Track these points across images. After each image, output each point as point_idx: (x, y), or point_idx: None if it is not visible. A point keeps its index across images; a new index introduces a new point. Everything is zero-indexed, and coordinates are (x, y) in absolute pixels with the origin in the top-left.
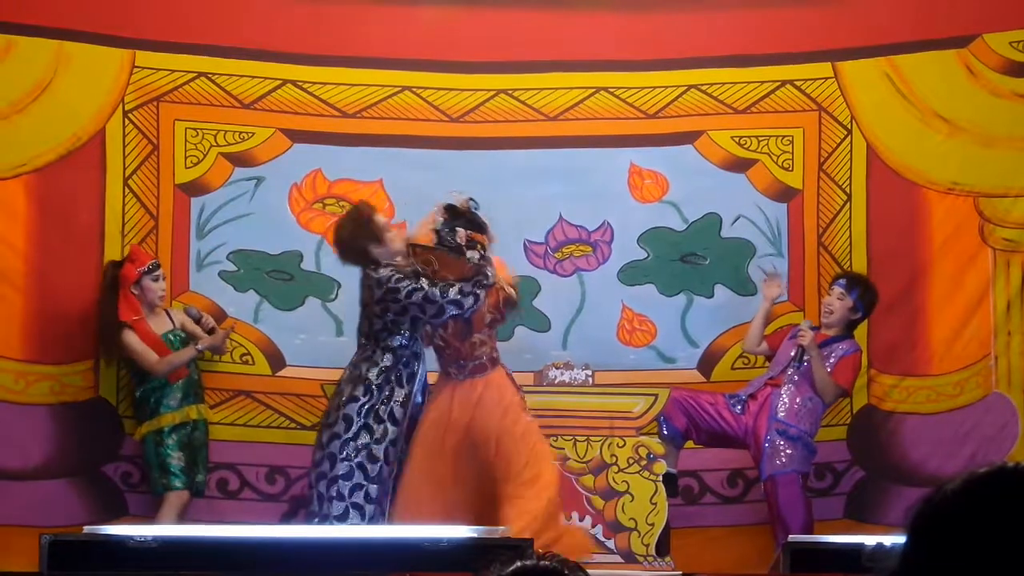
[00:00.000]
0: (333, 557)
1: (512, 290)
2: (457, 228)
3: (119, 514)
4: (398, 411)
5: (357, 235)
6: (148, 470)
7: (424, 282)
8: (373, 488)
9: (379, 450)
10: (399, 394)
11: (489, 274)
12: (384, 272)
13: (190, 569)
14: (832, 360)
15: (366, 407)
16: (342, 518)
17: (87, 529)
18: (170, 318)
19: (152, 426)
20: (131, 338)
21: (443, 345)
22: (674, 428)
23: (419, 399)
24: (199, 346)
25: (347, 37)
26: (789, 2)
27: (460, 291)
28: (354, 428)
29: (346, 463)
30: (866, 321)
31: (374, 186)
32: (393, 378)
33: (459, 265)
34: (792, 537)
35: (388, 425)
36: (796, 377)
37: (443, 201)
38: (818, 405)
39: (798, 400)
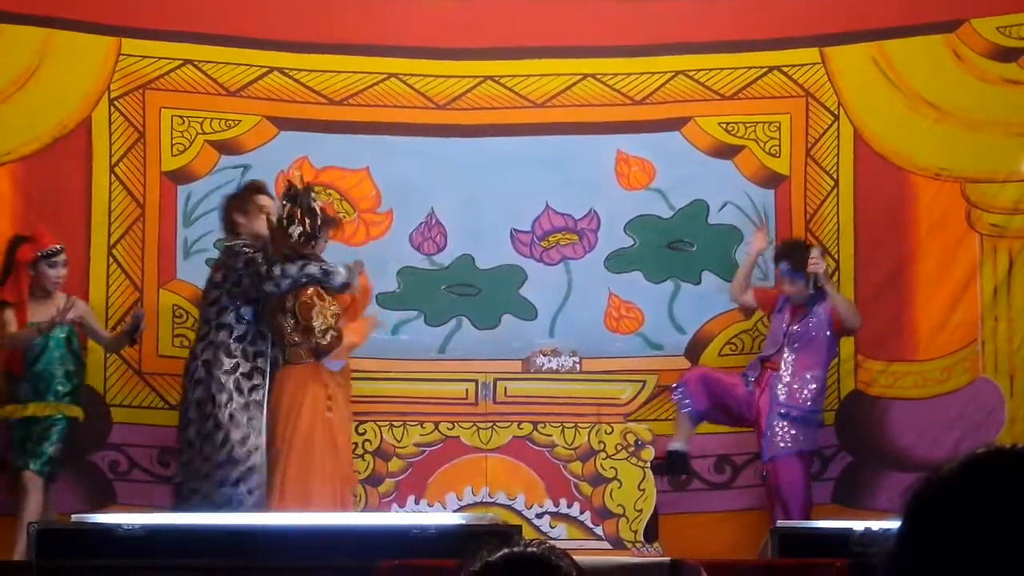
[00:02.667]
0: (320, 545)
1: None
2: (284, 203)
3: (107, 502)
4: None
5: (231, 202)
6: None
7: (259, 255)
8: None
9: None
10: (244, 366)
11: (313, 270)
12: (237, 243)
13: (177, 557)
14: (824, 319)
15: (201, 383)
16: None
17: (75, 518)
18: (66, 308)
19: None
20: (7, 315)
21: (272, 330)
22: (697, 407)
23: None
24: (42, 327)
25: (333, 24)
26: None
27: (282, 271)
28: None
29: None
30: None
31: (360, 174)
32: (236, 352)
33: (284, 238)
34: (780, 522)
35: (245, 420)
36: (792, 357)
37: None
38: (819, 379)
39: (798, 381)
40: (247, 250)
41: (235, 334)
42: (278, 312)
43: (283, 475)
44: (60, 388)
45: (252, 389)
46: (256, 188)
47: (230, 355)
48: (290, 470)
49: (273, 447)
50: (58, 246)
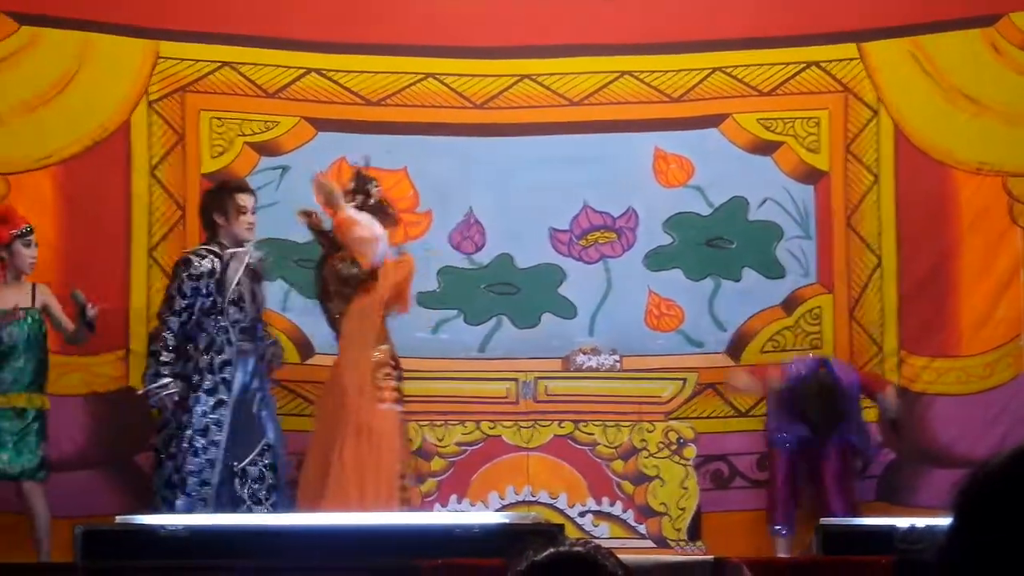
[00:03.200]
0: (364, 545)
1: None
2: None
3: (151, 504)
4: (204, 399)
5: (209, 201)
6: None
7: (180, 282)
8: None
9: (184, 439)
10: (206, 382)
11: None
12: (191, 254)
13: (221, 558)
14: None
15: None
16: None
17: (119, 519)
18: (33, 295)
19: None
20: None
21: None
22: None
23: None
24: (16, 313)
25: (370, 25)
26: None
27: (161, 320)
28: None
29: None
30: (896, 303)
31: (398, 174)
32: (203, 366)
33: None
34: (824, 520)
35: (194, 413)
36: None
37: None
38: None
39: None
40: (181, 267)
41: (201, 346)
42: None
43: (338, 470)
44: (29, 378)
45: (216, 406)
46: (236, 187)
47: (198, 371)
48: (346, 466)
49: (327, 440)
50: (30, 225)
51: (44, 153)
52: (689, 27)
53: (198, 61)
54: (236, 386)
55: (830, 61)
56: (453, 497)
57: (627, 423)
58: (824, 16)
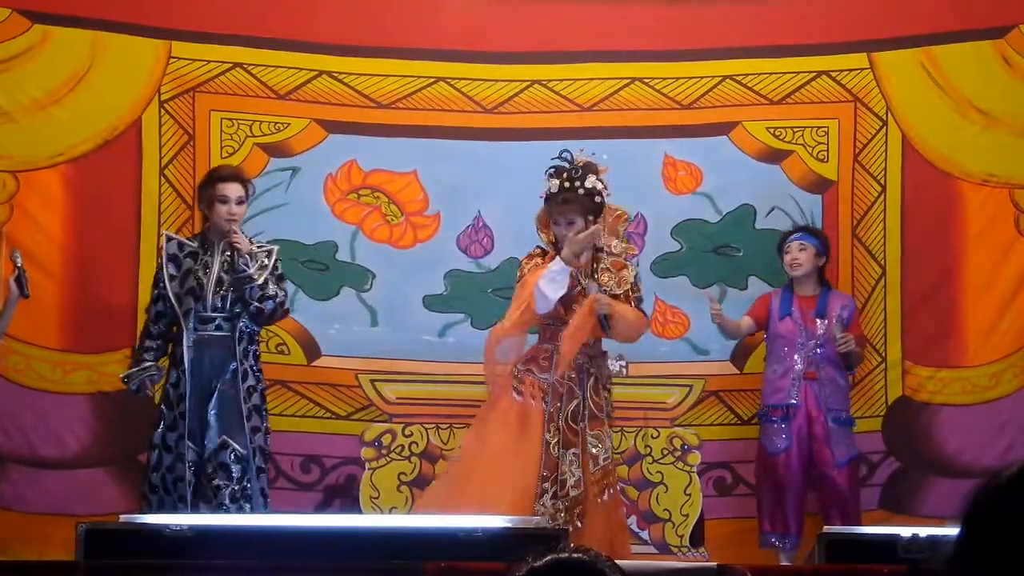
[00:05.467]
0: (367, 546)
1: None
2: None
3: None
4: (171, 393)
5: (199, 191)
6: None
7: (162, 272)
8: (155, 476)
9: (156, 437)
10: (172, 376)
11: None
12: (174, 242)
13: (225, 558)
14: (846, 320)
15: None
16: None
17: (123, 518)
18: None
19: None
20: None
21: None
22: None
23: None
24: None
25: (382, 28)
26: None
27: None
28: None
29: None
30: (900, 314)
31: (408, 177)
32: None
33: None
34: (827, 528)
35: (163, 409)
36: (825, 364)
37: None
38: (846, 376)
39: (840, 380)
40: (166, 257)
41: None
42: None
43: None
44: None
45: (179, 400)
46: (219, 176)
47: (172, 364)
48: (472, 471)
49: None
50: None
51: (55, 151)
52: (700, 35)
53: (210, 62)
54: (195, 378)
55: (840, 71)
56: None
57: (632, 429)
58: (835, 26)
